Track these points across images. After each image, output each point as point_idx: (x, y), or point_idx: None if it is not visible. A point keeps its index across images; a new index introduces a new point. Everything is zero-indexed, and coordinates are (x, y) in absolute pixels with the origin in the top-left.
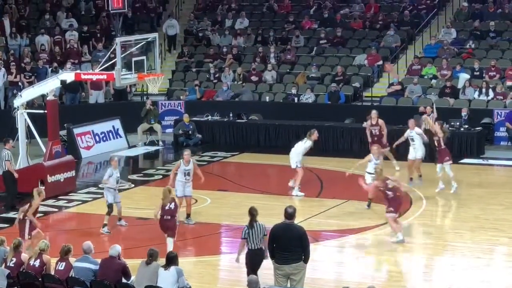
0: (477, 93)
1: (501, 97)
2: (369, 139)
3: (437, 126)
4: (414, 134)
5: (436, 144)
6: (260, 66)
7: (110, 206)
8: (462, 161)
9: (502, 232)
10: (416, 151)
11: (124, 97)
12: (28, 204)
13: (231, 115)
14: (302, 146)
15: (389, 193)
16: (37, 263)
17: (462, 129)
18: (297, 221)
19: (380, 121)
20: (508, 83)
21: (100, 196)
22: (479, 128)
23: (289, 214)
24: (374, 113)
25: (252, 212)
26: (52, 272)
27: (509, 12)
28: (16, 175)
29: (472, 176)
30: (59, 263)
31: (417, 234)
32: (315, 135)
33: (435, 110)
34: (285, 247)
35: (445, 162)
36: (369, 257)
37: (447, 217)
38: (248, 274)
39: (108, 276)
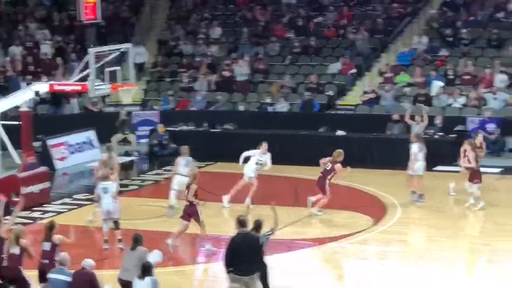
0: (450, 100)
1: (475, 104)
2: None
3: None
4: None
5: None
6: (234, 76)
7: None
8: (436, 168)
9: (478, 239)
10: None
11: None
12: (187, 191)
13: (205, 124)
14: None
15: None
16: (16, 250)
17: (436, 136)
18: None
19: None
20: (481, 90)
21: (74, 207)
22: (453, 135)
23: (243, 222)
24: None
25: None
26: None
27: (481, 19)
28: None
29: (447, 183)
30: (44, 243)
31: (392, 242)
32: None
33: (425, 117)
34: (246, 257)
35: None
36: (343, 265)
37: (423, 224)
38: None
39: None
